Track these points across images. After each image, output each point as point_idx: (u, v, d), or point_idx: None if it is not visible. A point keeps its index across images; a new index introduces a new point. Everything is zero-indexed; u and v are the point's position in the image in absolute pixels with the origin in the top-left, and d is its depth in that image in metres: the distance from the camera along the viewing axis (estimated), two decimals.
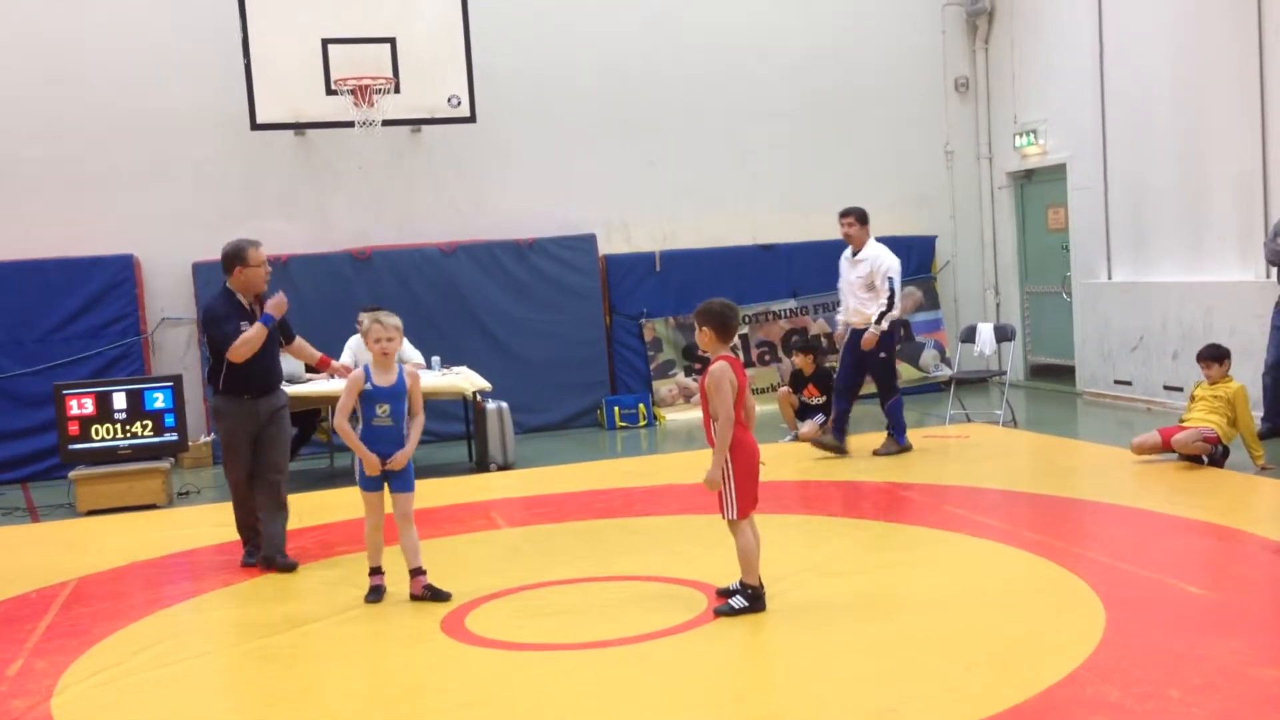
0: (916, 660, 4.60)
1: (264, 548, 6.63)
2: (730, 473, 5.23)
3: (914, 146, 13.41)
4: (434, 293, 11.59)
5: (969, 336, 11.23)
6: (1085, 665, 4.37)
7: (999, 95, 13.49)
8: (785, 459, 9.21)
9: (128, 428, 9.14)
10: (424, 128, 11.58)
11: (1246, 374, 9.17)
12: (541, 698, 4.45)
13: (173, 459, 10.03)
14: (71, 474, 9.01)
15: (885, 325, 8.99)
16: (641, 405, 11.93)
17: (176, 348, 11.36)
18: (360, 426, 5.84)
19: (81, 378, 10.18)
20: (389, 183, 11.88)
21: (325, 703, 4.62)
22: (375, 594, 5.86)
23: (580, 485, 8.73)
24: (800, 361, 10.56)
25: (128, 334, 10.95)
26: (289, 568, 6.55)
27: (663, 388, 12.46)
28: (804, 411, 10.40)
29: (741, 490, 5.25)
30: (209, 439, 10.40)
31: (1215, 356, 8.15)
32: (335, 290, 11.21)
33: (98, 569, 6.93)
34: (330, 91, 10.64)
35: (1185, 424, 8.12)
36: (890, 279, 8.98)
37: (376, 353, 5.85)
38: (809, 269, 12.75)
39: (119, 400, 9.13)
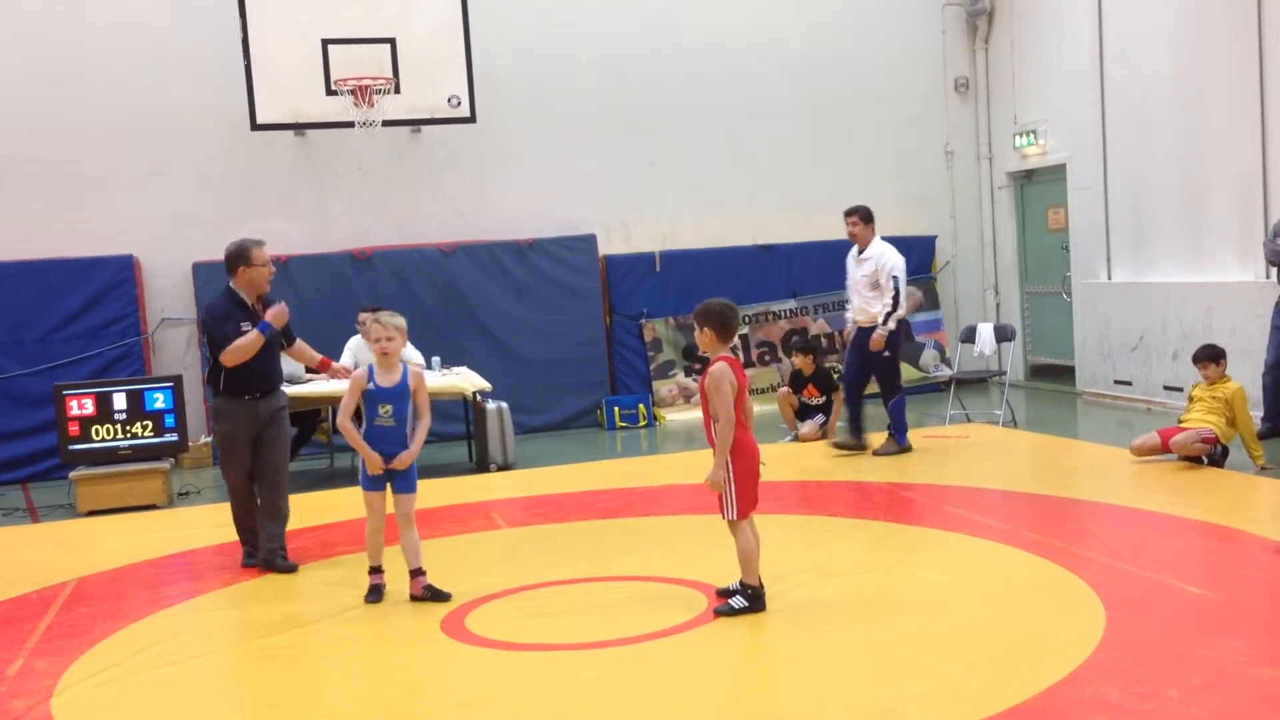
0: (916, 660, 4.60)
1: (264, 549, 6.62)
2: (731, 473, 5.23)
3: (914, 146, 13.42)
4: (434, 293, 11.59)
5: (969, 337, 11.23)
6: (1085, 665, 4.37)
7: (999, 95, 13.49)
8: (785, 459, 9.21)
9: (128, 428, 9.13)
10: (424, 128, 11.58)
11: (1246, 374, 9.18)
12: (541, 698, 4.45)
13: (173, 459, 10.03)
14: (72, 474, 9.01)
15: (892, 325, 8.99)
16: (641, 405, 11.94)
17: (177, 348, 11.36)
18: (363, 426, 5.83)
19: (82, 378, 10.18)
20: (389, 183, 11.88)
21: (325, 703, 4.62)
22: (375, 594, 5.86)
23: (580, 485, 8.73)
24: (800, 362, 10.56)
25: (128, 334, 10.95)
26: (289, 569, 6.55)
27: (663, 388, 12.46)
28: (804, 412, 10.40)
29: (742, 491, 5.25)
30: (209, 439, 10.40)
31: (1211, 357, 8.14)
32: (335, 290, 11.21)
33: (98, 569, 6.93)
34: (330, 92, 10.64)
35: (1184, 425, 8.12)
36: (894, 278, 8.97)
37: (377, 352, 5.85)
38: (809, 269, 12.77)
39: (119, 401, 9.13)
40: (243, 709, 4.65)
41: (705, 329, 5.34)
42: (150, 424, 9.19)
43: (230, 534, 6.96)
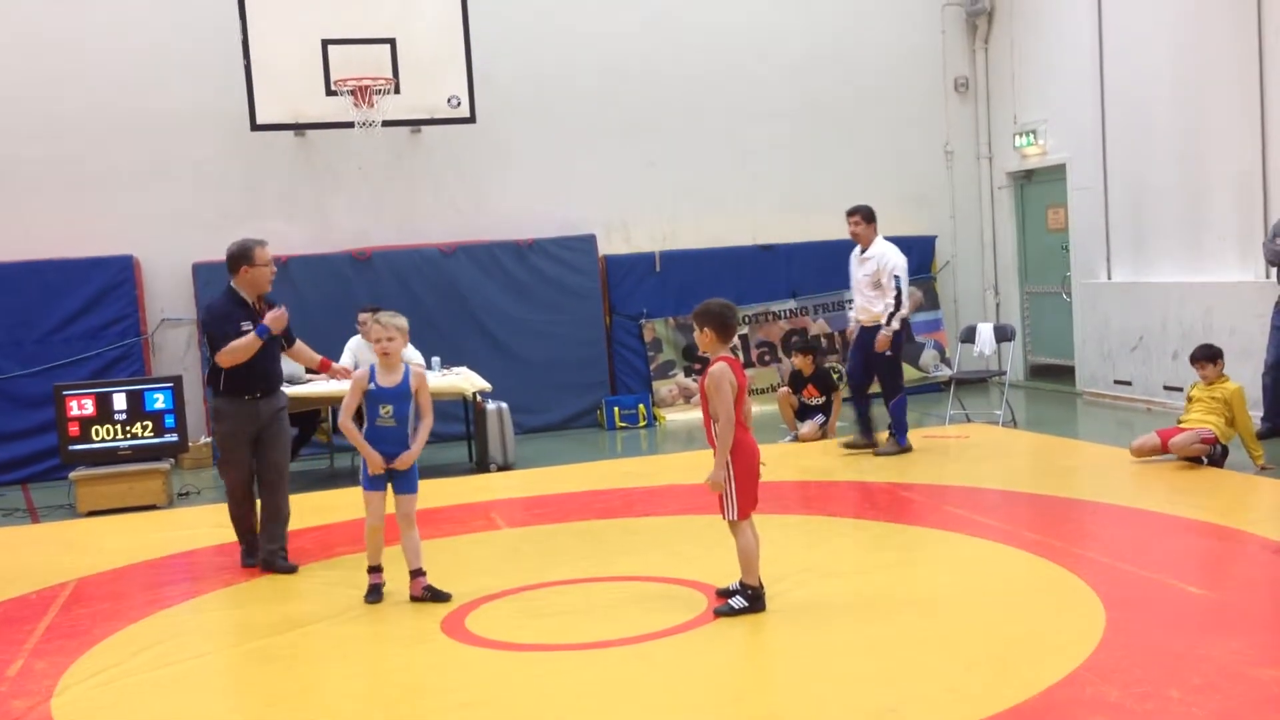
0: (916, 660, 4.60)
1: (264, 550, 6.62)
2: (731, 473, 5.23)
3: (914, 146, 13.42)
4: (434, 293, 11.59)
5: (969, 337, 11.23)
6: (1085, 665, 4.37)
7: (999, 95, 13.49)
8: (785, 459, 9.21)
9: (128, 428, 9.13)
10: (424, 128, 11.58)
11: (1246, 374, 9.18)
12: (541, 698, 4.45)
13: (173, 460, 10.03)
14: (72, 475, 9.01)
15: (895, 325, 9.00)
16: (641, 406, 11.93)
17: (176, 348, 11.36)
18: (365, 427, 5.83)
19: (81, 379, 10.18)
20: (389, 183, 11.88)
21: (325, 703, 4.62)
22: (374, 593, 5.86)
23: (580, 485, 8.73)
24: (799, 362, 10.56)
25: (127, 335, 10.94)
26: (289, 570, 6.55)
27: (663, 388, 12.46)
28: (803, 412, 10.40)
29: (742, 491, 5.25)
30: (209, 440, 10.40)
31: (1208, 357, 8.14)
32: (335, 291, 11.21)
33: (98, 570, 6.93)
34: (330, 92, 10.64)
35: (1182, 425, 8.12)
36: (896, 277, 8.98)
37: (378, 352, 5.85)
38: (809, 269, 12.77)
39: (119, 401, 9.13)
40: (243, 709, 4.65)
41: (705, 329, 5.34)
42: (150, 424, 9.19)
43: (230, 534, 6.95)
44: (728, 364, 5.26)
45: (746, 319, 12.62)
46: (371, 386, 5.80)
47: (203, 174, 11.37)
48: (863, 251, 9.25)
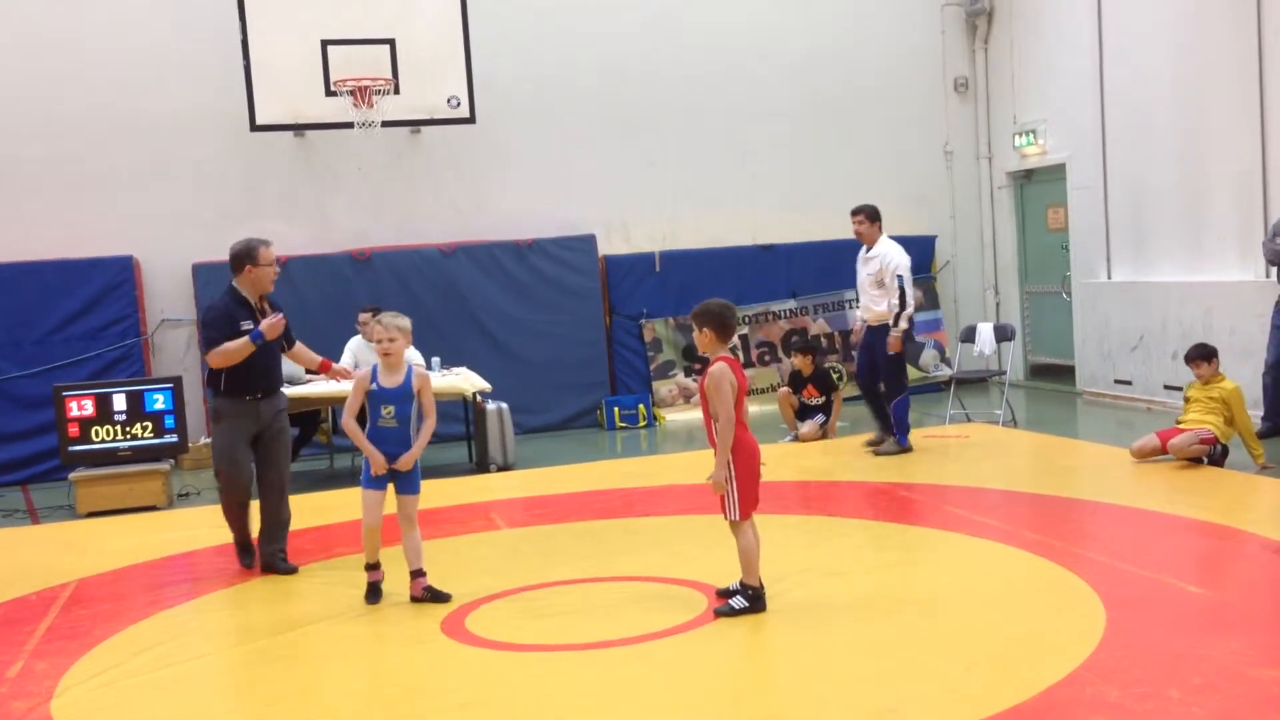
0: (916, 660, 4.60)
1: (265, 551, 6.62)
2: (733, 474, 5.23)
3: (914, 146, 13.42)
4: (434, 293, 11.59)
5: (969, 336, 11.24)
6: (1085, 665, 4.37)
7: (998, 95, 13.49)
8: (785, 459, 9.21)
9: (128, 429, 9.13)
10: (423, 129, 11.58)
11: (1247, 374, 9.18)
12: (541, 698, 4.45)
13: (173, 460, 10.03)
14: (71, 476, 9.01)
15: (904, 325, 9.00)
16: (641, 406, 11.94)
17: (176, 349, 11.36)
18: (367, 427, 5.83)
19: (81, 379, 10.18)
20: (389, 183, 11.88)
21: (325, 703, 4.62)
22: (374, 592, 5.85)
23: (580, 486, 8.73)
24: (799, 362, 10.56)
25: (127, 335, 10.95)
26: (289, 570, 6.55)
27: (663, 388, 12.46)
28: (804, 412, 10.40)
29: (744, 491, 5.25)
30: (209, 441, 10.38)
31: (1203, 356, 8.13)
32: (335, 291, 11.22)
33: (98, 571, 6.93)
34: (330, 92, 10.64)
35: (1181, 425, 8.11)
36: (899, 276, 8.98)
37: (379, 353, 5.84)
38: (809, 269, 12.78)
39: (119, 402, 9.13)
40: (243, 710, 4.65)
41: (704, 329, 5.34)
42: (150, 425, 9.19)
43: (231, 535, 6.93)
44: (727, 364, 5.26)
45: (746, 319, 12.62)
46: (373, 387, 5.80)
47: (203, 174, 11.37)
48: (867, 251, 9.26)
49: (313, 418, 10.54)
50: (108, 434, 9.08)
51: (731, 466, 5.22)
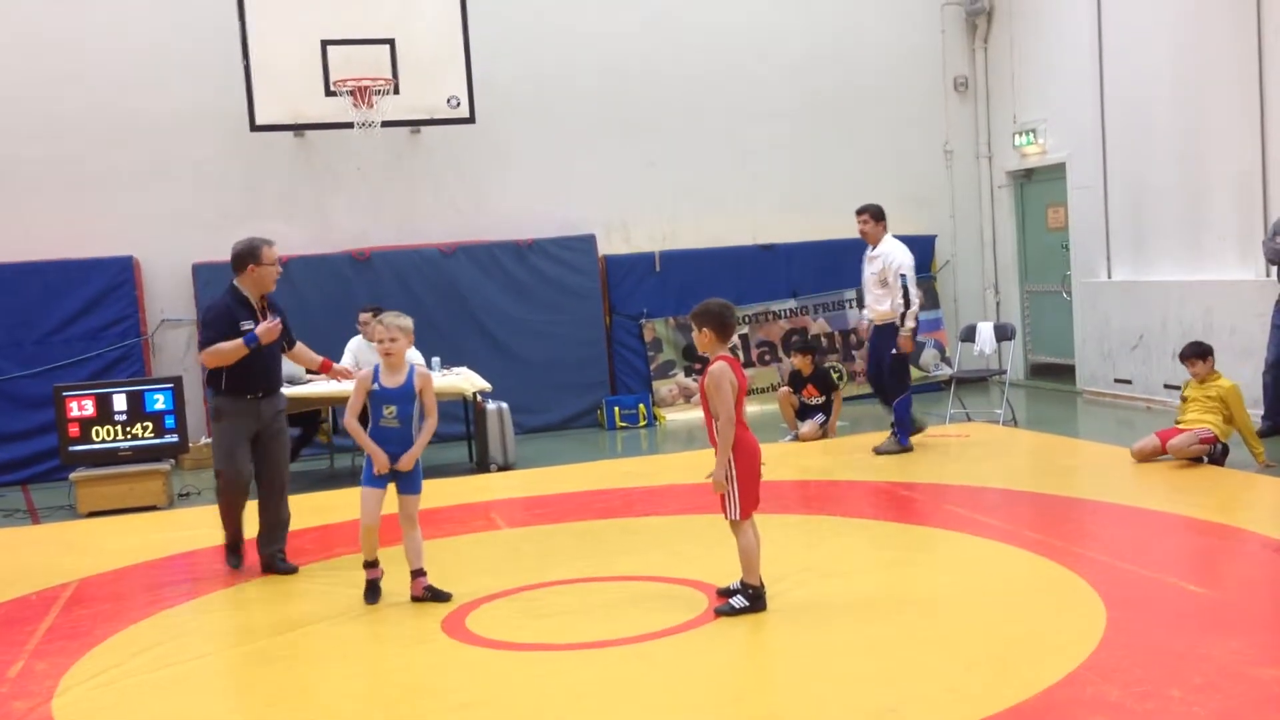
0: (916, 660, 4.60)
1: (264, 551, 6.61)
2: (734, 473, 5.23)
3: (914, 146, 13.42)
4: (434, 293, 11.59)
5: (969, 336, 11.24)
6: (1086, 665, 4.37)
7: (998, 95, 13.49)
8: (785, 459, 9.21)
9: (128, 429, 9.14)
10: (423, 128, 11.58)
11: (1247, 373, 9.18)
12: (541, 698, 4.45)
13: (173, 460, 10.04)
14: (72, 476, 9.01)
15: (911, 323, 9.02)
16: (642, 405, 11.94)
17: (177, 349, 11.35)
18: (369, 427, 5.83)
19: (81, 379, 10.18)
20: (388, 183, 11.88)
21: (325, 703, 4.62)
22: (373, 591, 5.84)
23: (580, 485, 8.73)
24: (799, 362, 10.56)
25: (128, 335, 10.95)
26: (289, 571, 6.55)
27: (663, 388, 12.46)
28: (804, 411, 10.40)
29: (744, 490, 5.25)
30: (209, 440, 10.39)
31: (1198, 354, 8.13)
32: (335, 291, 11.22)
33: (98, 570, 6.93)
34: (330, 92, 10.64)
35: (1180, 425, 8.11)
36: (902, 276, 9.00)
37: (380, 353, 5.84)
38: (809, 269, 12.78)
39: (119, 402, 9.13)
40: (243, 710, 4.65)
41: (704, 329, 5.34)
42: (150, 425, 9.19)
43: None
44: (727, 363, 5.26)
45: (746, 319, 12.63)
46: (375, 387, 5.79)
47: (203, 174, 11.37)
48: (871, 250, 9.28)
49: (313, 418, 10.55)
50: (108, 434, 9.08)
51: (732, 466, 5.22)
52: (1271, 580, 5.54)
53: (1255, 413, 8.89)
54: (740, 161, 12.82)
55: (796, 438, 10.21)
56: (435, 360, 10.19)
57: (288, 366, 7.27)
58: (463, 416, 10.69)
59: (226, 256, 6.67)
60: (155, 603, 6.13)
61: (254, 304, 6.52)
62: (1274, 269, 9.38)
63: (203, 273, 10.90)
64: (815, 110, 13.01)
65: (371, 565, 5.89)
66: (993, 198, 13.74)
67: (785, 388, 10.61)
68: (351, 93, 10.54)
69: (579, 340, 12.09)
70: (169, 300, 11.31)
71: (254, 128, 10.71)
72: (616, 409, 11.89)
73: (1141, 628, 4.78)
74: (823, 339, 12.80)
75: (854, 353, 12.92)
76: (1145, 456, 8.13)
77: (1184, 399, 8.29)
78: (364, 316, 9.94)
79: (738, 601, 5.27)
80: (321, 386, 9.30)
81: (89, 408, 9.07)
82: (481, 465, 9.94)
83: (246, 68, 10.53)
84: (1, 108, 10.87)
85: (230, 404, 6.49)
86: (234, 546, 6.74)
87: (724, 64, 12.73)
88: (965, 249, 13.74)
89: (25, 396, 10.56)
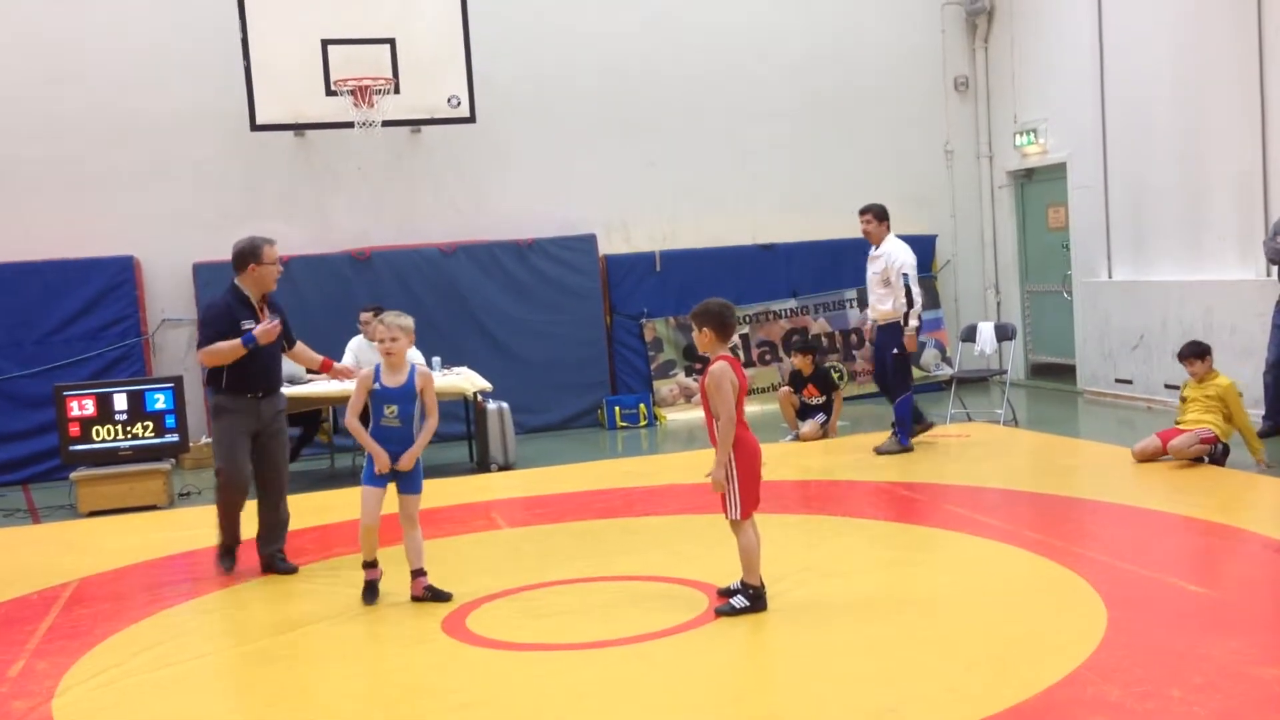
0: (916, 660, 4.60)
1: (263, 551, 6.61)
2: (734, 473, 5.23)
3: (914, 146, 13.41)
4: (434, 293, 11.59)
5: (969, 335, 11.24)
6: (1086, 664, 4.37)
7: (999, 94, 13.49)
8: (785, 459, 9.21)
9: (128, 429, 9.14)
10: (424, 128, 11.58)
11: (1247, 373, 9.19)
12: (542, 698, 4.45)
13: (174, 460, 10.04)
14: (72, 475, 9.01)
15: (915, 322, 9.04)
16: (642, 405, 11.94)
17: (177, 349, 11.34)
18: (370, 426, 5.83)
19: (82, 379, 10.18)
20: (389, 183, 11.88)
21: (325, 703, 4.62)
22: (371, 592, 5.84)
23: (581, 485, 8.73)
24: (799, 362, 10.56)
25: (128, 335, 10.95)
26: (289, 570, 6.54)
27: (663, 388, 12.46)
28: (804, 411, 10.40)
29: (745, 490, 5.25)
30: (209, 440, 10.39)
31: (1196, 353, 8.13)
32: (335, 291, 11.22)
33: (99, 570, 6.93)
34: (330, 92, 10.65)
35: (1181, 426, 8.10)
36: (904, 275, 9.02)
37: (381, 353, 5.85)
38: (809, 269, 12.78)
39: (120, 401, 9.13)
40: (243, 709, 4.65)
41: (704, 329, 5.35)
42: (151, 425, 9.19)
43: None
44: (728, 363, 5.27)
45: (747, 319, 12.62)
46: (376, 386, 5.80)
47: (203, 174, 11.37)
48: (874, 250, 9.29)
49: (314, 417, 10.55)
50: (109, 433, 9.08)
51: (733, 466, 5.22)
52: (1272, 580, 5.54)
53: (1256, 413, 8.89)
54: (740, 161, 12.82)
55: (797, 437, 10.21)
56: (436, 360, 10.19)
57: (288, 366, 7.26)
58: (463, 416, 10.69)
59: (227, 256, 6.67)
60: (155, 602, 6.13)
61: (254, 303, 6.52)
62: (1274, 269, 9.38)
63: (203, 272, 10.90)
64: (815, 110, 13.01)
65: (370, 566, 5.89)
66: (993, 197, 13.74)
67: (786, 387, 10.61)
68: (352, 92, 10.54)
69: (579, 340, 12.09)
70: (169, 300, 11.31)
71: (254, 127, 10.72)
72: (617, 409, 11.89)
73: (1142, 628, 4.78)
74: (823, 339, 12.80)
75: (854, 352, 12.92)
76: (1146, 457, 8.13)
77: (1183, 399, 8.28)
78: (365, 316, 9.94)
79: (738, 601, 5.27)
80: (322, 386, 9.31)
81: (89, 407, 9.07)
82: (482, 465, 9.94)
83: (247, 67, 10.53)
84: (1, 108, 10.87)
85: (230, 402, 6.48)
86: (228, 549, 6.71)
87: (724, 64, 12.73)
88: (966, 249, 13.74)
89: (26, 396, 10.56)
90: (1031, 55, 12.89)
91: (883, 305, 9.19)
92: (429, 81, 10.91)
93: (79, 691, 4.79)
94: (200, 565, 7.00)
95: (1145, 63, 11.13)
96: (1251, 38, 9.91)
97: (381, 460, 5.74)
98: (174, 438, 9.26)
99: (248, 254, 6.49)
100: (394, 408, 5.77)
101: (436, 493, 8.41)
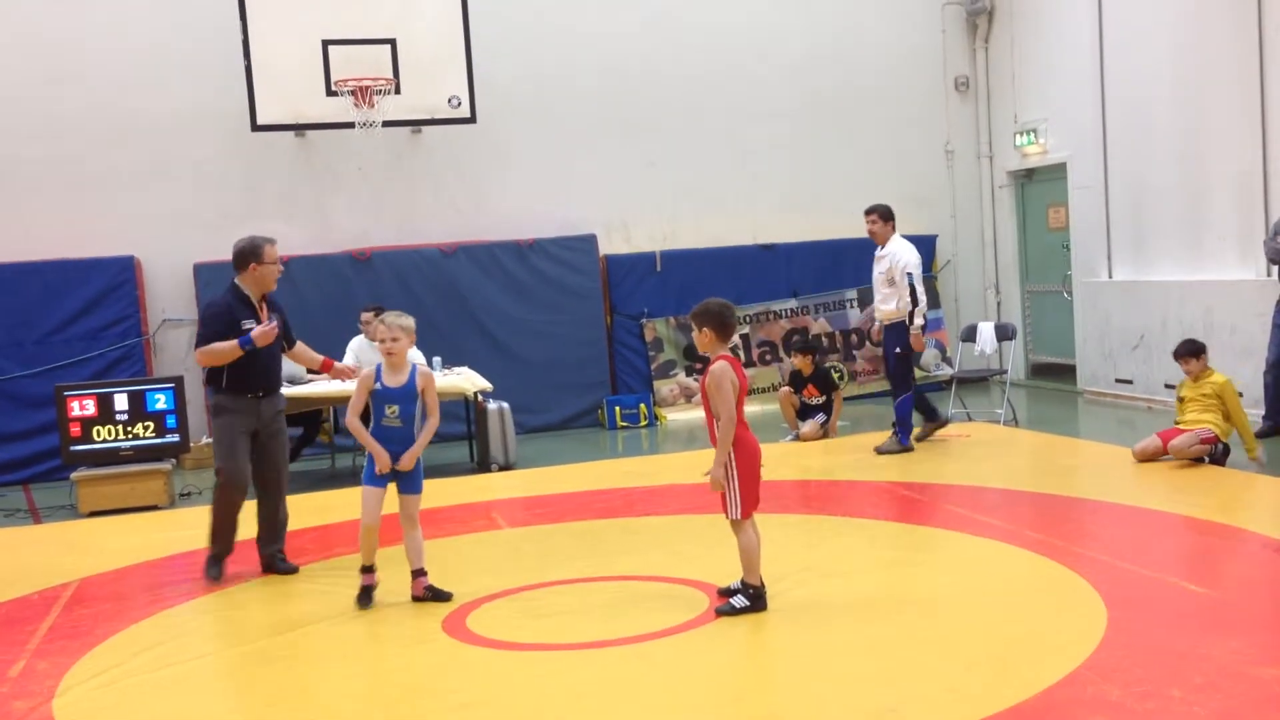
0: (916, 660, 4.60)
1: (263, 551, 6.61)
2: (734, 472, 5.23)
3: (914, 146, 13.41)
4: (434, 293, 11.59)
5: (970, 335, 11.24)
6: (1086, 664, 4.37)
7: (999, 94, 13.49)
8: (786, 459, 9.22)
9: (129, 429, 9.14)
10: (424, 128, 11.58)
11: (1247, 373, 9.19)
12: (542, 698, 4.45)
13: (174, 460, 10.04)
14: (73, 475, 9.01)
15: (920, 321, 9.06)
16: (642, 405, 11.94)
17: (178, 349, 11.34)
18: (371, 426, 5.83)
19: (83, 379, 10.18)
20: (389, 183, 11.88)
21: (325, 703, 4.62)
22: (365, 596, 5.81)
23: (581, 485, 8.73)
24: (799, 362, 10.56)
25: (129, 335, 10.95)
26: (289, 570, 6.55)
27: (664, 387, 12.46)
28: (804, 411, 10.40)
29: (745, 490, 5.25)
30: (210, 440, 10.39)
31: (1192, 352, 8.12)
32: (335, 291, 11.22)
33: (99, 570, 6.93)
34: (330, 92, 10.65)
35: (1180, 426, 8.10)
36: (908, 274, 9.04)
37: (381, 353, 5.85)
38: (809, 269, 12.78)
39: (120, 401, 9.13)
40: (244, 709, 4.65)
41: (704, 329, 5.35)
42: (152, 425, 9.19)
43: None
44: (728, 363, 5.27)
45: (747, 319, 12.62)
46: (377, 386, 5.80)
47: (203, 174, 11.37)
48: (879, 250, 9.31)
49: (314, 417, 10.55)
50: (109, 434, 9.08)
51: (733, 466, 5.22)
52: (1272, 580, 5.54)
53: (1256, 413, 8.89)
54: (740, 161, 12.82)
55: (797, 437, 10.21)
56: (436, 360, 10.19)
57: (288, 366, 7.26)
58: (464, 416, 10.69)
59: (227, 256, 6.67)
60: (156, 602, 6.13)
61: (255, 303, 6.52)
62: (1274, 269, 9.38)
63: (204, 272, 10.90)
64: (815, 110, 13.01)
65: (368, 571, 5.85)
66: (993, 198, 13.74)
67: (786, 387, 10.61)
68: (352, 93, 10.54)
69: (580, 340, 12.09)
70: (170, 300, 11.31)
71: (255, 128, 10.72)
72: (617, 409, 11.89)
73: (1142, 627, 4.78)
74: (823, 339, 12.80)
75: (855, 352, 12.92)
76: (1147, 457, 8.12)
77: (1180, 399, 8.28)
78: (366, 316, 9.95)
79: (738, 601, 5.27)
80: (322, 386, 9.31)
81: (90, 407, 9.07)
82: (482, 465, 9.94)
83: (247, 68, 10.53)
84: (1, 108, 10.87)
85: (230, 401, 6.48)
86: (219, 556, 6.59)
87: (724, 64, 12.73)
88: (966, 249, 13.74)
89: (26, 396, 10.57)
90: (1031, 55, 12.89)
91: (887, 305, 9.21)
92: (429, 82, 10.91)
93: (80, 691, 4.79)
94: (201, 565, 6.97)
95: (1145, 62, 11.13)
96: (1251, 38, 9.91)
97: (382, 460, 5.74)
98: (175, 438, 9.26)
99: (248, 253, 6.49)
100: (395, 408, 5.77)
101: (437, 493, 8.41)
